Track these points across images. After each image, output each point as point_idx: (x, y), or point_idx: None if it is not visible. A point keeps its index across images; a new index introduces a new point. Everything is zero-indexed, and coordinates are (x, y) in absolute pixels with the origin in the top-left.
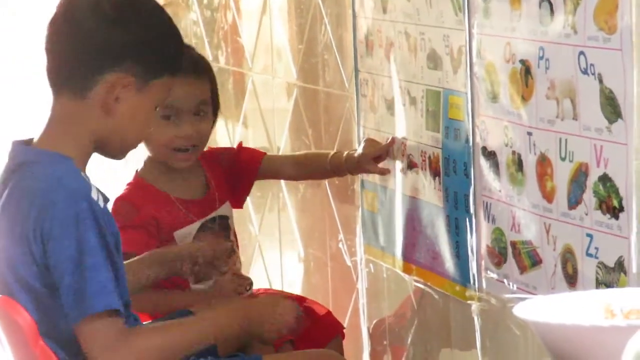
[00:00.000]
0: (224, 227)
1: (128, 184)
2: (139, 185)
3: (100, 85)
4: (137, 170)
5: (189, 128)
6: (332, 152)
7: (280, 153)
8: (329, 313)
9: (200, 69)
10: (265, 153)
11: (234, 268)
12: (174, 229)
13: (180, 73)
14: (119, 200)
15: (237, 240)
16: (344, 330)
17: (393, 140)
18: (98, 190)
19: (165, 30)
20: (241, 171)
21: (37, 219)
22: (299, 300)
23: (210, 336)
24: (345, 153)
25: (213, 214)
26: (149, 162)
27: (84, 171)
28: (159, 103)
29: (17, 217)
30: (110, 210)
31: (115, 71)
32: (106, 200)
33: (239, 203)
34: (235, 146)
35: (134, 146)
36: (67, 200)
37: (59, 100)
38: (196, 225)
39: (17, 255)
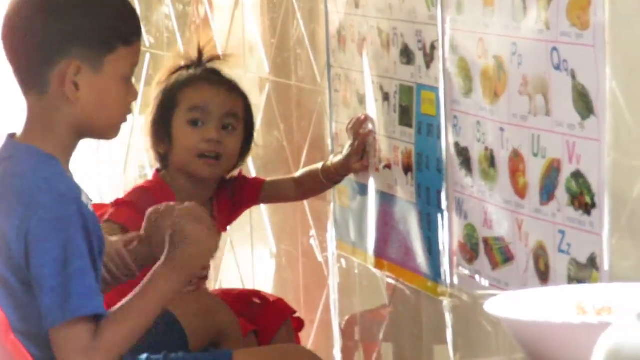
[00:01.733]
0: None
1: (151, 180)
2: (160, 185)
3: (53, 77)
4: (157, 170)
5: (215, 133)
6: (320, 165)
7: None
8: (279, 299)
9: (234, 85)
10: (264, 180)
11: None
12: None
13: (214, 82)
14: (140, 188)
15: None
16: (303, 319)
17: (369, 132)
18: (85, 193)
19: (99, 5)
20: (242, 200)
21: (23, 217)
22: (253, 293)
23: (159, 303)
24: (331, 161)
25: None
26: (171, 170)
27: (68, 167)
28: (127, 74)
29: (0, 214)
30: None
31: (62, 60)
32: (90, 201)
33: (224, 227)
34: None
35: (121, 120)
36: (56, 202)
37: (28, 100)
38: None
39: None
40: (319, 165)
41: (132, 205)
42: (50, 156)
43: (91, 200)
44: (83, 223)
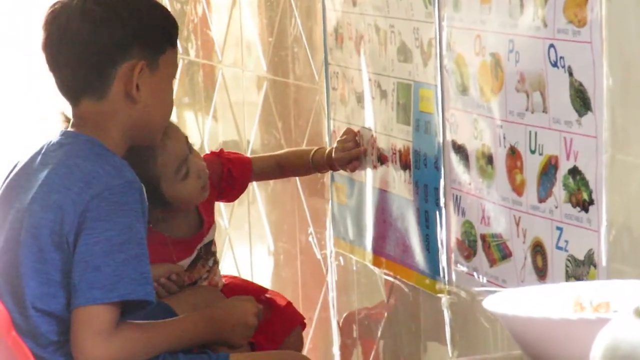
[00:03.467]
0: (208, 250)
1: None
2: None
3: (117, 80)
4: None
5: (199, 160)
6: (314, 149)
7: (250, 146)
8: (289, 304)
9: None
10: (250, 158)
11: (214, 280)
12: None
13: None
14: None
15: (215, 255)
16: (305, 321)
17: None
18: None
19: (152, 6)
20: (234, 182)
21: (82, 192)
22: (261, 291)
23: (186, 340)
24: (327, 150)
25: (204, 242)
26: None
27: None
28: (174, 74)
29: (57, 187)
30: None
31: (126, 62)
32: None
33: (230, 199)
34: (206, 147)
35: (165, 124)
36: (124, 187)
37: (80, 109)
38: (188, 260)
39: (44, 220)
40: (313, 148)
41: None
42: (112, 152)
43: None
44: (143, 212)
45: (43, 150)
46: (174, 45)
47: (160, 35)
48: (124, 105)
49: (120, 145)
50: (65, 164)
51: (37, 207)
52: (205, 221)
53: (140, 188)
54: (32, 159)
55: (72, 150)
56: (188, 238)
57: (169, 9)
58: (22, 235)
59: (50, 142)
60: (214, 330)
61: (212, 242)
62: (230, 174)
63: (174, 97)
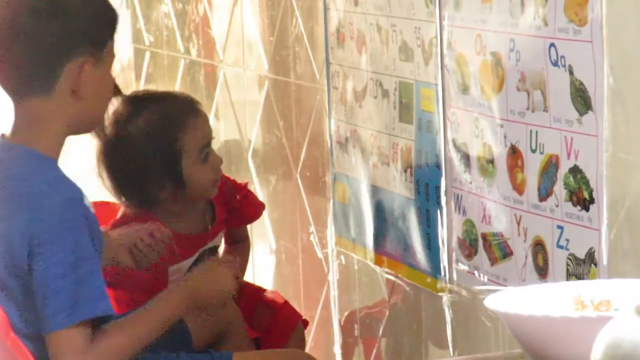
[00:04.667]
0: (212, 255)
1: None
2: (142, 216)
3: (63, 77)
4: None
5: (218, 158)
6: None
7: (251, 146)
8: (286, 303)
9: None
10: (263, 207)
11: None
12: (169, 263)
13: (198, 111)
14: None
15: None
16: (307, 319)
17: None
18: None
19: (94, 2)
20: (241, 215)
21: (28, 222)
22: (259, 290)
23: (168, 319)
24: None
25: (209, 245)
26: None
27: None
28: (112, 67)
29: (2, 218)
30: None
31: (74, 59)
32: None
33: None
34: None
35: (104, 113)
36: (62, 206)
37: (23, 105)
38: (190, 260)
39: None
40: None
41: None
42: (48, 158)
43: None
44: (89, 226)
45: None
46: (113, 37)
47: (105, 30)
48: (69, 101)
49: (60, 142)
50: (4, 187)
51: None
52: (216, 222)
53: (80, 199)
54: None
55: (8, 170)
56: (193, 235)
57: (171, 9)
58: None
59: None
60: (192, 301)
61: (217, 249)
62: (243, 203)
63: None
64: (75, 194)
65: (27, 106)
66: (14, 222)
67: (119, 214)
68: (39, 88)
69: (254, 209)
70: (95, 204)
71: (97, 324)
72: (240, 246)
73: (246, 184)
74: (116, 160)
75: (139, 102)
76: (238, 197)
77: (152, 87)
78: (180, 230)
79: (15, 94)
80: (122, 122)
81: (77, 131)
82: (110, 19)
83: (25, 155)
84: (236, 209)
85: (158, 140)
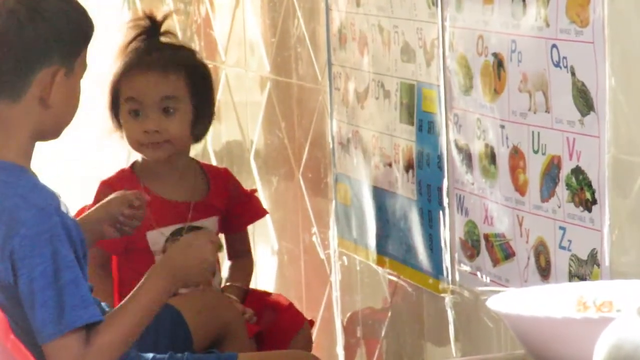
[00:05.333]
0: None
1: (119, 171)
2: (125, 175)
3: (33, 85)
4: (134, 161)
5: (152, 123)
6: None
7: (253, 147)
8: (291, 305)
9: (168, 64)
10: (266, 214)
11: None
12: (147, 228)
13: (144, 68)
14: (102, 183)
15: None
16: (312, 320)
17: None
18: (60, 198)
19: (74, 8)
20: (241, 218)
21: (6, 237)
22: (263, 295)
23: (156, 303)
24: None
25: (193, 223)
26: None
27: (31, 170)
28: (84, 73)
29: None
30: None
31: (45, 68)
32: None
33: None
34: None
35: (71, 121)
36: (37, 217)
37: None
38: (169, 228)
39: None
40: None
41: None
42: (17, 167)
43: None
44: (66, 233)
45: None
46: (87, 44)
47: (79, 40)
48: (37, 110)
49: (28, 149)
50: None
51: None
52: (208, 196)
53: (55, 207)
54: None
55: None
56: (174, 202)
57: (172, 9)
58: None
59: None
60: (175, 280)
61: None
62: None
63: None
64: (49, 202)
65: None
66: None
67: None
68: (7, 93)
69: (252, 216)
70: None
71: (91, 325)
72: (242, 261)
73: (253, 192)
74: None
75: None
76: (239, 203)
77: None
78: (163, 194)
79: None
80: None
81: (44, 138)
82: (85, 30)
83: None
84: (234, 215)
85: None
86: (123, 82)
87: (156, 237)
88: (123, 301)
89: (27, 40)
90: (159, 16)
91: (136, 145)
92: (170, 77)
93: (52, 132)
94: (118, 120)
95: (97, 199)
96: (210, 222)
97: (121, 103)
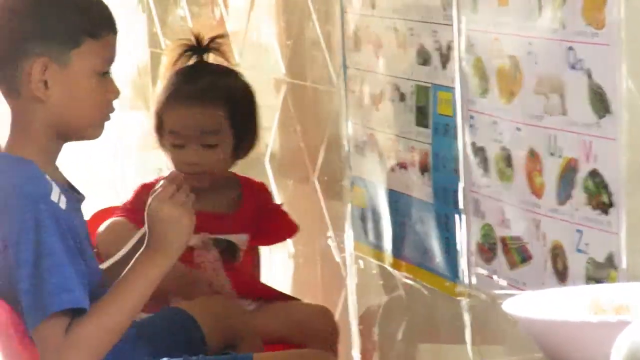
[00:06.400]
0: (231, 254)
1: (160, 177)
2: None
3: (23, 78)
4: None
5: (193, 157)
6: None
7: (268, 150)
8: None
9: (207, 96)
10: (296, 231)
11: (218, 281)
12: None
13: (184, 100)
14: (142, 187)
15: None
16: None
17: None
18: (63, 191)
19: (63, 2)
20: (269, 235)
21: (0, 225)
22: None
23: (139, 295)
24: None
25: (225, 236)
26: None
27: (50, 168)
28: (98, 68)
29: None
30: (80, 210)
31: (28, 59)
32: (79, 199)
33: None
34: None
35: (100, 118)
36: (23, 205)
37: (8, 104)
38: (197, 238)
39: None
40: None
41: (132, 211)
42: (22, 160)
43: (82, 198)
44: (53, 221)
45: None
46: (97, 37)
47: (69, 28)
48: (36, 104)
49: (47, 146)
50: None
51: None
52: (240, 210)
53: (44, 195)
54: None
55: None
56: (209, 213)
57: (187, 13)
58: None
59: None
60: (160, 255)
61: (238, 253)
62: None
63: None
64: (35, 189)
65: (9, 106)
66: None
67: None
68: (8, 90)
69: (280, 233)
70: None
71: (76, 314)
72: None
73: (280, 206)
74: None
75: None
76: (268, 219)
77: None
78: (196, 205)
79: (2, 95)
80: None
81: (65, 136)
82: (77, 17)
83: (6, 161)
84: (263, 231)
85: None
86: (165, 112)
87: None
88: (107, 292)
89: (7, 33)
90: (207, 35)
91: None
92: (209, 111)
93: (74, 127)
94: (157, 138)
95: (135, 200)
96: (240, 239)
97: (165, 133)
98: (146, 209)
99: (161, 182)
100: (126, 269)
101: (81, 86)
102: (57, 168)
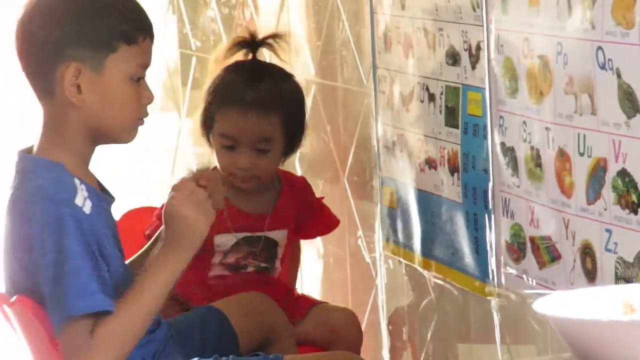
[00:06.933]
0: (270, 251)
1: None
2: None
3: (57, 83)
4: (215, 166)
5: (247, 161)
6: None
7: (298, 150)
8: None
9: (267, 104)
10: (337, 224)
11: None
12: (219, 231)
13: (243, 107)
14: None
15: (277, 269)
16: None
17: None
18: (92, 194)
19: (96, 5)
20: (310, 229)
21: (25, 227)
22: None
23: (163, 286)
24: None
25: (261, 233)
26: None
27: (82, 171)
28: (133, 73)
29: (9, 228)
30: (109, 212)
31: (62, 64)
32: (109, 201)
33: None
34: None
35: (134, 122)
36: (47, 207)
37: (41, 105)
38: (239, 235)
39: (12, 264)
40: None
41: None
42: (52, 162)
43: (112, 200)
44: (76, 224)
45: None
46: (132, 42)
47: (104, 33)
48: (70, 107)
49: (80, 149)
50: (13, 197)
51: (4, 254)
52: (277, 209)
53: (68, 199)
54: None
55: (15, 180)
56: (252, 214)
57: (217, 14)
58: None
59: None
60: (174, 253)
61: (277, 249)
62: (315, 216)
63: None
64: (59, 192)
65: (43, 108)
66: (17, 228)
67: None
68: (42, 93)
69: (321, 227)
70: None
71: (100, 314)
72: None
73: (320, 201)
74: None
75: None
76: (309, 214)
77: (199, 92)
78: (239, 204)
79: (34, 93)
80: None
81: (98, 140)
82: (114, 23)
83: (36, 164)
84: (303, 226)
85: None
86: (220, 115)
87: (226, 238)
88: (129, 289)
89: (40, 37)
90: (262, 34)
91: (226, 172)
92: (268, 119)
93: (108, 131)
94: (208, 138)
95: None
96: (280, 235)
97: (216, 132)
98: (165, 205)
99: (181, 178)
100: (144, 266)
101: (115, 91)
102: (88, 170)
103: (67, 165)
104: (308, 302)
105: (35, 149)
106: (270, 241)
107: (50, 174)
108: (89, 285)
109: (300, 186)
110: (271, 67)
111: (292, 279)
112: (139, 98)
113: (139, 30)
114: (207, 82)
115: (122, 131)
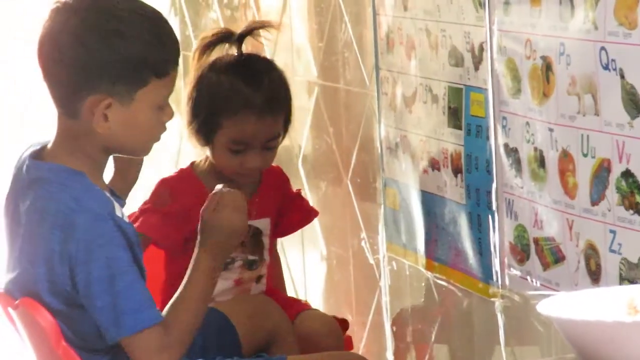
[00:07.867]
0: (256, 240)
1: (178, 171)
2: (185, 176)
3: (84, 108)
4: (193, 162)
5: (257, 161)
6: None
7: (301, 152)
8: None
9: (276, 108)
10: (317, 214)
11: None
12: None
13: (256, 114)
14: (161, 182)
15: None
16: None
17: None
18: (116, 203)
19: (130, 39)
20: (291, 219)
21: (62, 241)
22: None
23: (209, 284)
24: None
25: (251, 222)
26: (207, 161)
27: (98, 179)
28: (159, 103)
29: (38, 239)
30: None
31: (93, 94)
32: (123, 205)
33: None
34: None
35: (153, 140)
36: (91, 221)
37: (60, 117)
38: None
39: (39, 275)
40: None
41: (152, 211)
42: (75, 171)
43: (124, 204)
44: (123, 236)
45: (17, 187)
46: (162, 75)
47: (137, 68)
48: (93, 131)
49: (97, 160)
50: (35, 209)
51: (29, 264)
52: (258, 198)
53: (110, 212)
54: (10, 196)
55: (35, 190)
56: None
57: (220, 16)
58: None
59: (22, 171)
60: (216, 257)
61: (262, 238)
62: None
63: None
64: (101, 206)
65: (62, 120)
66: (50, 243)
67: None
68: (65, 110)
69: (303, 214)
70: None
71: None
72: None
73: (298, 192)
74: None
75: None
76: (289, 204)
77: None
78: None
79: (53, 104)
80: None
81: (118, 153)
82: (148, 58)
83: (57, 172)
84: (284, 216)
85: None
86: (230, 122)
87: None
88: (181, 288)
89: (71, 65)
90: (240, 29)
91: (228, 171)
92: (278, 118)
93: (126, 150)
94: (204, 138)
95: (155, 197)
96: (264, 223)
97: (223, 138)
98: (204, 212)
99: (219, 188)
100: (189, 269)
101: (141, 120)
102: (102, 178)
103: (87, 174)
104: (298, 308)
105: (47, 154)
106: (255, 230)
107: (77, 184)
108: (145, 298)
109: (278, 175)
110: (258, 60)
111: (278, 282)
112: (162, 121)
113: (170, 62)
114: (192, 82)
115: (141, 151)
